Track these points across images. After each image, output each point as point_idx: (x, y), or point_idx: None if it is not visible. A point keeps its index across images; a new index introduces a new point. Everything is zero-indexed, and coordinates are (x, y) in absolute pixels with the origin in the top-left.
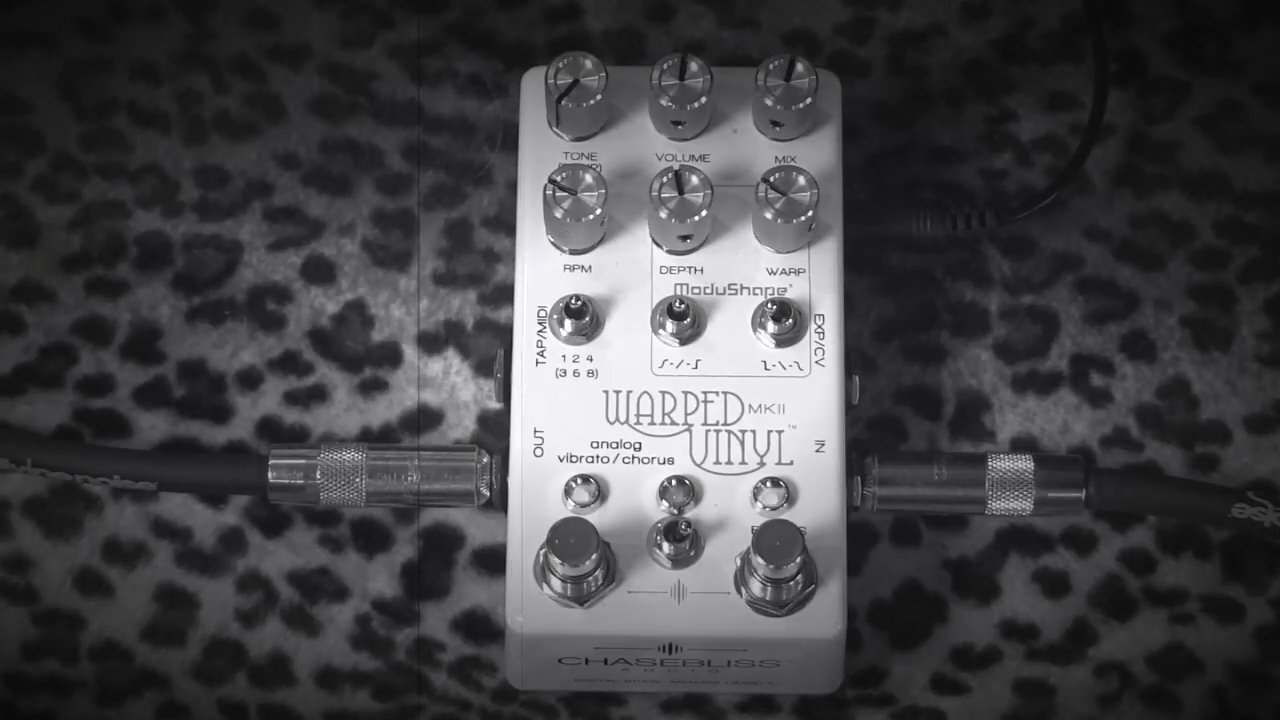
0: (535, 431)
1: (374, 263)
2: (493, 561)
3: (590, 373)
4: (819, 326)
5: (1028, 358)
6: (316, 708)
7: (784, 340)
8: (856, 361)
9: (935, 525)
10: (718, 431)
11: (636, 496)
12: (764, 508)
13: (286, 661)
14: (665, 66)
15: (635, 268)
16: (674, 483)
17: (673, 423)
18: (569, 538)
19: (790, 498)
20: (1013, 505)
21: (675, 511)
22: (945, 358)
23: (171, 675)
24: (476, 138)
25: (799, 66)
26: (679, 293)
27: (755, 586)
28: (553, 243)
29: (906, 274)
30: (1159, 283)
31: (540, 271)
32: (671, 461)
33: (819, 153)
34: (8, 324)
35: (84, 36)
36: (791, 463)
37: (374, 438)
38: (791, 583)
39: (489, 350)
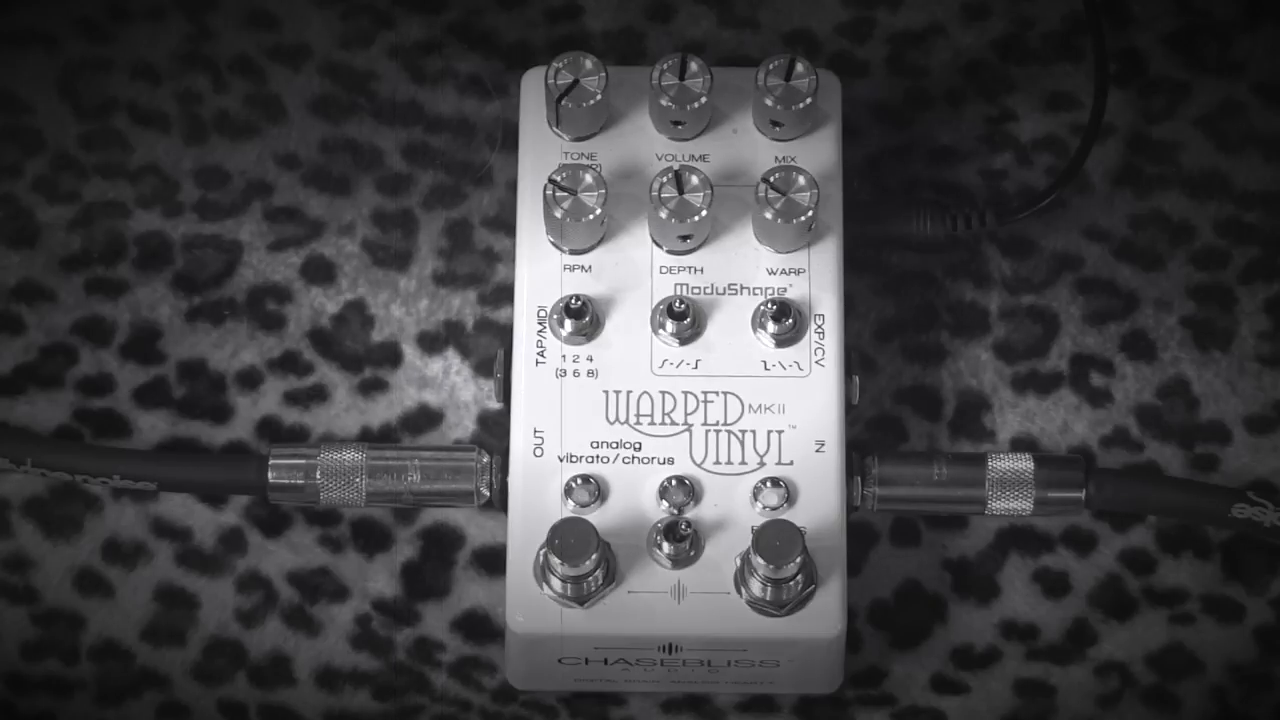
0: (535, 431)
1: (374, 263)
2: (493, 561)
3: (590, 373)
4: (819, 326)
5: (1028, 358)
6: (316, 708)
7: (784, 340)
8: (856, 361)
9: (935, 525)
10: (718, 431)
11: (636, 496)
12: (764, 508)
13: (286, 661)
14: (665, 66)
15: (635, 268)
16: (674, 483)
17: (673, 423)
18: (569, 538)
19: (790, 498)
20: (1013, 505)
21: (675, 511)
22: (945, 358)
23: (171, 675)
24: (476, 138)
25: (799, 66)
26: (679, 293)
27: (755, 586)
28: (553, 243)
29: (906, 274)
30: (1159, 283)
31: (540, 271)
32: (671, 461)
33: (819, 153)
34: (8, 324)
35: (84, 36)
36: (791, 463)
37: (374, 438)
38: (791, 583)
39: (489, 350)
